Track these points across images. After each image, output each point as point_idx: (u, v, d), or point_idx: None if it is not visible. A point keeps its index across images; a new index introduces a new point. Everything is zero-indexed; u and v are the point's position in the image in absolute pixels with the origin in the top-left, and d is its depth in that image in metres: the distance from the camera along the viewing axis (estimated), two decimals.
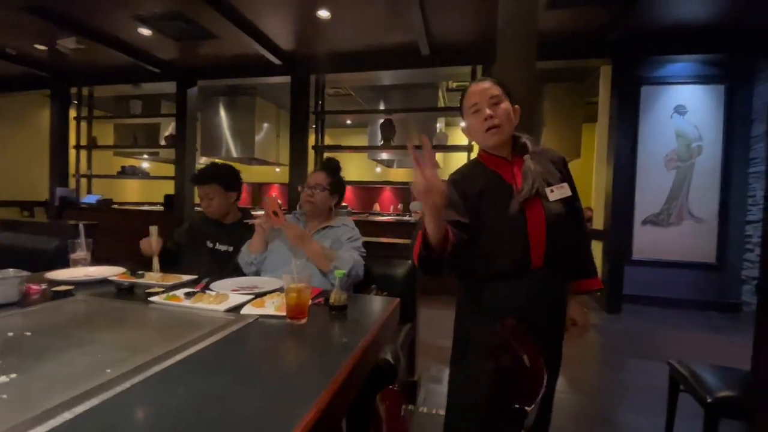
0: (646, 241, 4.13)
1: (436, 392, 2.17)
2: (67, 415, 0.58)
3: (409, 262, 1.85)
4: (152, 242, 1.62)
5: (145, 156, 7.10)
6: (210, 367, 0.78)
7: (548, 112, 4.88)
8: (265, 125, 6.45)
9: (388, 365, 1.36)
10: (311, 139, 5.04)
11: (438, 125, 5.48)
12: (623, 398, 2.21)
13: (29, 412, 0.58)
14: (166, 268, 1.61)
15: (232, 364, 0.80)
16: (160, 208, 5.65)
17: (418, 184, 0.89)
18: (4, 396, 0.64)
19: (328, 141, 5.55)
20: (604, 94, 4.34)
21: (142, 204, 6.83)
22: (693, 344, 3.07)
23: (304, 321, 1.02)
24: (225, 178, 1.84)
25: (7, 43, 4.52)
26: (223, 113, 6.15)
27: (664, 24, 3.56)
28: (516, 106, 1.16)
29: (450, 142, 5.09)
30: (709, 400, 1.30)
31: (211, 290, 1.27)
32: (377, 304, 1.27)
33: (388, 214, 6.25)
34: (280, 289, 1.29)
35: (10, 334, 0.90)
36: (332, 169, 1.73)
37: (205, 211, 1.86)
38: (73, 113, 5.84)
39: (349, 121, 8.31)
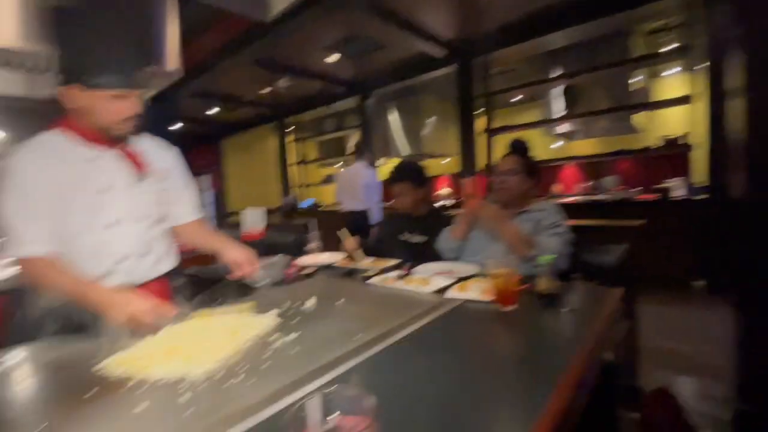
0: None
1: None
2: (341, 369, 0.73)
3: (622, 247, 1.58)
4: (347, 241, 1.82)
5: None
6: (435, 344, 0.85)
7: None
8: (431, 120, 6.66)
9: (611, 366, 1.19)
10: (478, 124, 4.93)
11: (634, 80, 4.49)
12: None
13: (313, 364, 0.75)
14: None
15: (452, 344, 0.85)
16: None
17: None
18: (298, 348, 0.85)
19: (497, 124, 5.30)
20: None
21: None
22: None
23: (513, 307, 0.99)
24: (413, 174, 1.98)
25: (245, 93, 6.11)
26: (391, 116, 6.69)
27: None
28: None
29: (658, 97, 4.12)
30: None
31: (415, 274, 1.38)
32: (593, 295, 1.13)
33: (573, 195, 5.41)
34: (477, 275, 1.30)
35: (288, 303, 1.15)
36: (521, 150, 1.65)
37: (397, 206, 2.04)
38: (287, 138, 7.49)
39: (517, 98, 7.71)
